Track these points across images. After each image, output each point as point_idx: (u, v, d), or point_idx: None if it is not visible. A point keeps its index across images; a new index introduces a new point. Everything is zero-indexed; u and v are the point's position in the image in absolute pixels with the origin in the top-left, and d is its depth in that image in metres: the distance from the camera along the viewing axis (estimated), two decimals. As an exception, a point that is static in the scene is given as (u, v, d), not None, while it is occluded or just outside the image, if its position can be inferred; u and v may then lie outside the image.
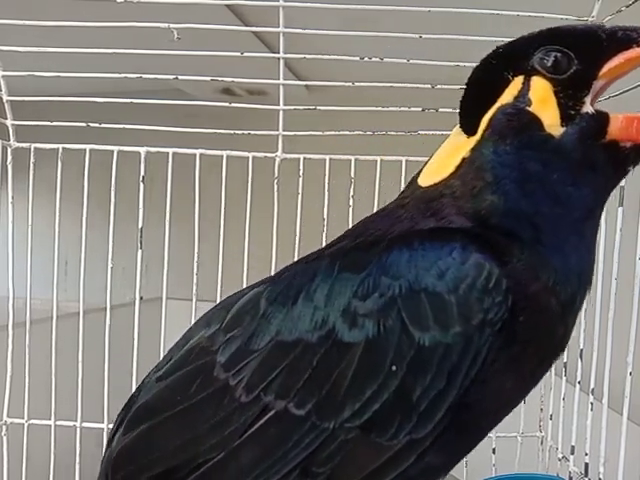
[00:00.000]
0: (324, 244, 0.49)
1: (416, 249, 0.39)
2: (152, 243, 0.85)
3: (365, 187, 0.80)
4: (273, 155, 0.80)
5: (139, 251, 0.80)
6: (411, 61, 0.75)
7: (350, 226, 0.49)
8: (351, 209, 0.79)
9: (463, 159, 0.43)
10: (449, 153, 0.45)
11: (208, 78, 0.80)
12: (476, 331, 0.37)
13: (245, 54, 0.79)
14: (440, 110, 0.81)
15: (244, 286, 0.50)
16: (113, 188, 0.81)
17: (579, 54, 0.40)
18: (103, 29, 0.75)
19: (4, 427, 0.81)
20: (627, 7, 0.65)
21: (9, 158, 0.80)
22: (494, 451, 0.84)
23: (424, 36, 0.73)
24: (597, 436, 0.70)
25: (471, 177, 0.42)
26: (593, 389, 0.73)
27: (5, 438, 0.80)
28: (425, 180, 0.45)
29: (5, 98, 0.79)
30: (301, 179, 0.81)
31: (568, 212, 0.40)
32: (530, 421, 0.84)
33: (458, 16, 0.72)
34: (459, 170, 0.43)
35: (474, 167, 0.42)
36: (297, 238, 0.80)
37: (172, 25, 0.73)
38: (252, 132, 0.81)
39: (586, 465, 0.74)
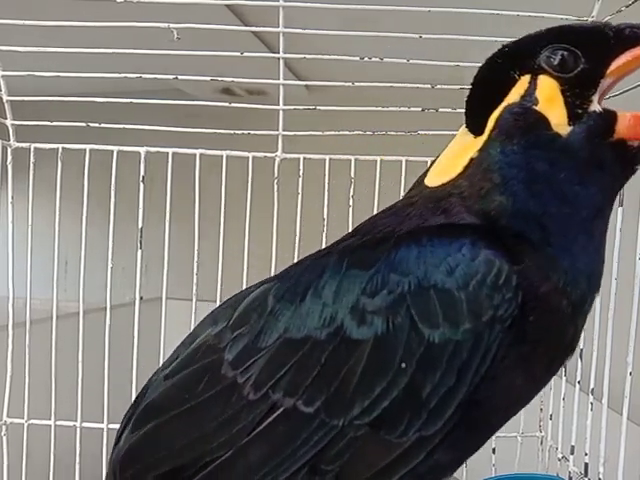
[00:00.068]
0: (324, 244, 0.49)
1: (425, 245, 0.39)
2: (152, 243, 0.85)
3: (365, 187, 0.80)
4: (273, 155, 0.80)
5: (139, 251, 0.80)
6: (411, 61, 0.75)
7: (350, 226, 0.49)
8: (351, 209, 0.79)
9: (471, 159, 0.43)
10: (456, 154, 0.44)
11: (208, 78, 0.80)
12: (486, 328, 0.37)
13: (245, 54, 0.79)
14: (440, 110, 0.81)
15: (244, 286, 0.50)
16: (113, 188, 0.81)
17: (586, 52, 0.40)
18: (103, 29, 0.75)
19: (4, 427, 0.81)
20: (627, 7, 0.65)
21: (9, 158, 0.80)
22: (494, 451, 0.84)
23: (424, 36, 0.73)
24: (597, 436, 0.70)
25: (479, 178, 0.42)
26: (593, 389, 0.73)
27: (5, 438, 0.80)
28: (432, 180, 0.45)
29: (5, 98, 0.79)
30: (301, 179, 0.81)
31: (576, 212, 0.40)
32: (530, 421, 0.84)
33: (458, 16, 0.72)
34: (467, 171, 0.42)
35: (482, 168, 0.42)
36: (297, 238, 0.80)
37: (172, 25, 0.73)
38: (252, 132, 0.81)
39: (586, 465, 0.74)
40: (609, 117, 0.40)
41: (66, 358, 0.82)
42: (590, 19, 0.70)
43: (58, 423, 0.81)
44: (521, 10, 0.69)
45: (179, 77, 0.79)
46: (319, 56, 0.76)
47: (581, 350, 0.74)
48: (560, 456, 0.80)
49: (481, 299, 0.37)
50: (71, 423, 0.81)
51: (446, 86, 0.79)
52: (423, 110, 0.80)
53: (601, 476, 0.70)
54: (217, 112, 0.84)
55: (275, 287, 0.43)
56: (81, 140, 0.81)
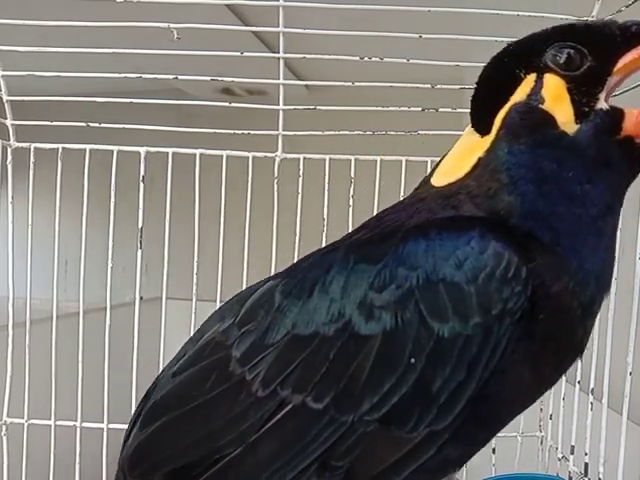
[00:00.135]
0: (324, 244, 0.49)
1: (433, 239, 0.39)
2: (152, 243, 0.85)
3: (365, 187, 0.80)
4: (273, 155, 0.80)
5: (139, 251, 0.80)
6: (411, 61, 0.75)
7: (350, 226, 0.49)
8: (351, 209, 0.79)
9: (479, 159, 0.42)
10: (462, 154, 0.44)
11: (208, 78, 0.80)
12: (496, 321, 0.37)
13: (245, 54, 0.79)
14: (440, 110, 0.81)
15: (244, 286, 0.50)
16: (113, 188, 0.81)
17: (592, 50, 0.40)
18: (103, 29, 0.75)
19: (4, 427, 0.81)
20: (627, 7, 0.65)
21: (9, 158, 0.80)
22: (494, 451, 0.84)
23: (424, 36, 0.73)
24: (597, 436, 0.70)
25: (486, 179, 0.41)
26: (593, 389, 0.73)
27: (5, 438, 0.80)
28: (439, 180, 0.45)
29: (5, 98, 0.79)
30: (301, 179, 0.81)
31: (585, 211, 0.40)
32: (530, 421, 0.84)
33: (458, 16, 0.72)
34: (475, 171, 0.42)
35: (489, 168, 0.41)
36: (297, 238, 0.80)
37: (172, 25, 0.73)
38: (252, 132, 0.81)
39: (586, 465, 0.74)
40: (616, 114, 0.40)
41: (66, 358, 0.82)
42: (590, 19, 0.70)
43: (58, 423, 0.81)
44: (521, 10, 0.69)
45: (179, 77, 0.79)
46: (319, 56, 0.76)
47: (581, 350, 0.73)
48: (560, 456, 0.80)
49: (491, 292, 0.37)
50: (71, 423, 0.81)
51: (446, 86, 0.79)
52: (423, 110, 0.80)
53: (601, 476, 0.70)
54: (217, 112, 0.84)
55: (282, 283, 0.43)
56: (81, 140, 0.81)
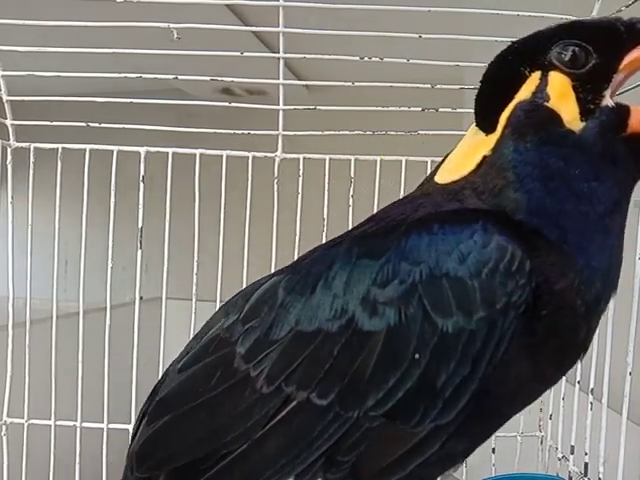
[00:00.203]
0: (324, 244, 0.49)
1: (436, 233, 0.39)
2: (152, 243, 0.85)
3: (365, 187, 0.80)
4: (273, 155, 0.80)
5: (139, 251, 0.80)
6: (411, 61, 0.75)
7: (350, 226, 0.49)
8: (351, 209, 0.79)
9: (484, 157, 0.42)
10: (467, 152, 0.44)
11: (208, 78, 0.80)
12: (500, 315, 0.37)
13: (245, 54, 0.79)
14: (440, 110, 0.81)
15: (244, 286, 0.50)
16: (113, 188, 0.81)
17: (598, 48, 0.40)
18: (103, 29, 0.75)
19: (4, 427, 0.81)
20: (627, 7, 0.65)
21: (9, 158, 0.80)
22: (494, 451, 0.84)
23: (424, 36, 0.73)
24: (597, 436, 0.70)
25: (492, 176, 0.41)
26: (593, 389, 0.73)
27: (5, 438, 0.80)
28: (443, 178, 0.45)
29: (5, 98, 0.79)
30: (301, 179, 0.81)
31: (592, 208, 0.40)
32: (530, 421, 0.84)
33: (458, 16, 0.72)
34: (480, 169, 0.42)
35: (495, 167, 0.41)
36: (297, 238, 0.80)
37: (172, 25, 0.73)
38: (252, 132, 0.81)
39: (586, 465, 0.74)
40: (622, 111, 0.40)
41: (66, 358, 0.82)
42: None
43: (58, 423, 0.81)
44: (521, 10, 0.69)
45: (179, 77, 0.79)
46: (319, 56, 0.76)
47: (581, 350, 0.73)
48: (560, 456, 0.80)
49: (494, 286, 0.37)
50: (71, 423, 0.81)
51: (446, 86, 0.79)
52: (423, 110, 0.80)
53: (601, 476, 0.70)
54: (217, 112, 0.84)
55: (285, 279, 0.43)
56: (81, 140, 0.81)
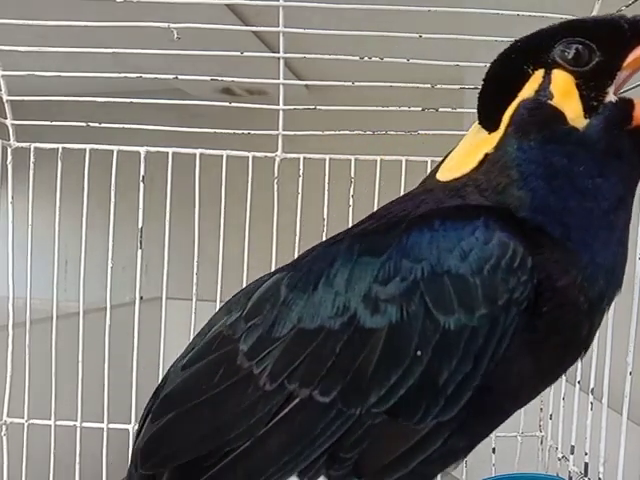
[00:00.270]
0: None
1: (437, 230, 0.39)
2: (152, 243, 0.85)
3: (365, 187, 0.80)
4: (273, 155, 0.80)
5: (139, 251, 0.80)
6: (411, 61, 0.75)
7: (350, 226, 0.49)
8: (351, 209, 0.79)
9: (486, 155, 0.42)
10: (469, 150, 0.44)
11: (208, 78, 0.80)
12: (502, 312, 0.37)
13: (245, 54, 0.79)
14: (440, 110, 0.81)
15: (244, 285, 0.50)
16: (113, 188, 0.81)
17: (601, 45, 0.40)
18: (103, 29, 0.75)
19: (4, 427, 0.81)
20: (627, 7, 0.65)
21: (9, 158, 0.80)
22: (494, 451, 0.84)
23: (424, 36, 0.73)
24: (597, 436, 0.70)
25: (496, 174, 0.41)
26: (593, 389, 0.73)
27: (5, 438, 0.80)
28: (445, 175, 0.45)
29: (5, 98, 0.79)
30: (301, 179, 0.81)
31: (597, 204, 0.40)
32: (530, 421, 0.84)
33: (458, 16, 0.72)
34: (482, 166, 0.42)
35: (499, 165, 0.41)
36: (297, 238, 0.80)
37: (172, 25, 0.73)
38: (252, 132, 0.81)
39: (586, 465, 0.74)
40: (626, 105, 0.40)
41: (66, 358, 0.82)
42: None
43: (58, 423, 0.81)
44: (521, 10, 0.69)
45: (179, 77, 0.79)
46: (319, 56, 0.76)
47: (581, 350, 0.73)
48: (560, 456, 0.80)
49: (496, 283, 0.37)
50: (71, 423, 0.81)
51: (446, 86, 0.79)
52: (423, 110, 0.80)
53: (601, 476, 0.70)
54: (217, 112, 0.84)
55: (287, 277, 0.43)
56: (81, 140, 0.81)
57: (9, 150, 0.80)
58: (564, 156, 0.40)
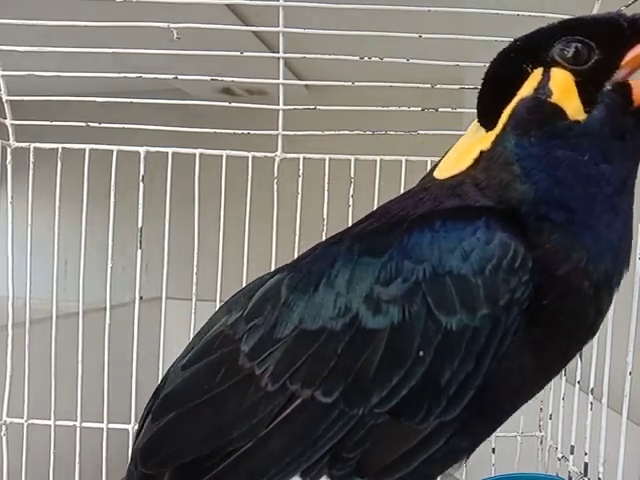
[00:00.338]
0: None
1: (438, 230, 0.39)
2: (152, 243, 0.85)
3: (365, 187, 0.80)
4: (273, 155, 0.80)
5: (139, 251, 0.80)
6: (411, 61, 0.75)
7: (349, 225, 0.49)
8: (351, 209, 0.79)
9: (481, 152, 0.42)
10: (466, 148, 0.44)
11: (208, 78, 0.80)
12: (504, 312, 0.37)
13: (245, 54, 0.79)
14: (440, 110, 0.81)
15: (244, 286, 0.50)
16: (113, 188, 0.81)
17: (600, 44, 0.40)
18: (103, 29, 0.75)
19: (4, 427, 0.81)
20: (627, 7, 0.65)
21: (9, 158, 0.80)
22: (494, 451, 0.84)
23: (424, 36, 0.73)
24: (597, 436, 0.70)
25: (497, 171, 0.41)
26: (593, 389, 0.73)
27: (5, 438, 0.80)
28: (442, 173, 0.45)
29: (5, 98, 0.79)
30: (301, 179, 0.81)
31: (600, 190, 0.40)
32: (530, 421, 0.84)
33: (458, 16, 0.72)
34: (479, 163, 0.42)
35: (499, 161, 0.41)
36: (297, 238, 0.80)
37: (172, 25, 0.73)
38: (252, 132, 0.81)
39: (585, 465, 0.74)
40: (623, 89, 0.40)
41: (66, 358, 0.82)
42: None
43: (58, 423, 0.81)
44: (521, 10, 0.69)
45: (179, 77, 0.79)
46: (319, 56, 0.76)
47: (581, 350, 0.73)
48: (560, 456, 0.80)
49: (498, 283, 0.37)
50: (71, 423, 0.81)
51: (446, 86, 0.79)
52: (423, 110, 0.80)
53: (601, 476, 0.70)
54: (217, 112, 0.84)
55: (288, 277, 0.43)
56: (81, 140, 0.81)
57: (9, 150, 0.80)
58: (567, 149, 0.40)
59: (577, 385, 0.75)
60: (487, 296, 0.37)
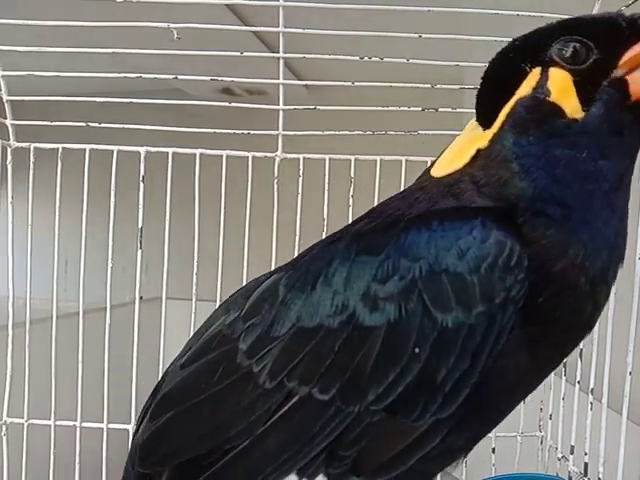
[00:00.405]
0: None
1: (435, 229, 0.39)
2: (152, 243, 0.85)
3: (365, 187, 0.80)
4: (273, 155, 0.80)
5: (139, 251, 0.80)
6: (411, 61, 0.75)
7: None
8: (351, 209, 0.79)
9: (478, 150, 0.43)
10: (463, 146, 0.44)
11: (208, 78, 0.80)
12: (499, 310, 0.37)
13: (245, 54, 0.79)
14: (440, 110, 0.81)
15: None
16: (113, 188, 0.81)
17: (598, 43, 0.40)
18: (103, 29, 0.75)
19: (4, 427, 0.81)
20: (627, 7, 0.65)
21: (9, 158, 0.80)
22: (494, 451, 0.84)
23: (424, 36, 0.73)
24: (597, 436, 0.70)
25: (495, 168, 0.41)
26: (593, 389, 0.73)
27: (5, 438, 0.80)
28: (438, 171, 0.45)
29: (5, 98, 0.79)
30: (301, 179, 0.81)
31: (598, 186, 0.40)
32: (530, 421, 0.84)
33: (458, 16, 0.72)
34: (476, 161, 0.42)
35: (497, 159, 0.42)
36: (297, 238, 0.80)
37: (172, 25, 0.73)
38: (252, 132, 0.81)
39: (585, 465, 0.74)
40: (620, 84, 0.40)
41: (66, 358, 0.82)
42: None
43: (58, 423, 0.81)
44: (521, 10, 0.69)
45: (179, 77, 0.79)
46: (319, 56, 0.76)
47: (581, 350, 0.74)
48: (560, 456, 0.80)
49: (493, 281, 0.37)
50: (71, 423, 0.81)
51: (446, 86, 0.79)
52: (423, 110, 0.80)
53: (601, 476, 0.70)
54: (217, 112, 0.84)
55: (286, 276, 0.43)
56: (81, 140, 0.81)
57: (9, 150, 0.80)
58: (566, 147, 0.40)
59: (577, 385, 0.75)
60: (483, 294, 0.37)
